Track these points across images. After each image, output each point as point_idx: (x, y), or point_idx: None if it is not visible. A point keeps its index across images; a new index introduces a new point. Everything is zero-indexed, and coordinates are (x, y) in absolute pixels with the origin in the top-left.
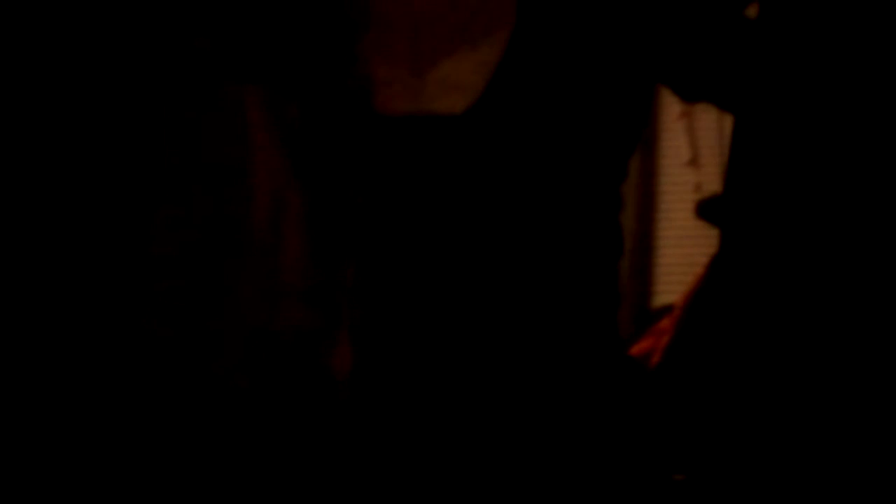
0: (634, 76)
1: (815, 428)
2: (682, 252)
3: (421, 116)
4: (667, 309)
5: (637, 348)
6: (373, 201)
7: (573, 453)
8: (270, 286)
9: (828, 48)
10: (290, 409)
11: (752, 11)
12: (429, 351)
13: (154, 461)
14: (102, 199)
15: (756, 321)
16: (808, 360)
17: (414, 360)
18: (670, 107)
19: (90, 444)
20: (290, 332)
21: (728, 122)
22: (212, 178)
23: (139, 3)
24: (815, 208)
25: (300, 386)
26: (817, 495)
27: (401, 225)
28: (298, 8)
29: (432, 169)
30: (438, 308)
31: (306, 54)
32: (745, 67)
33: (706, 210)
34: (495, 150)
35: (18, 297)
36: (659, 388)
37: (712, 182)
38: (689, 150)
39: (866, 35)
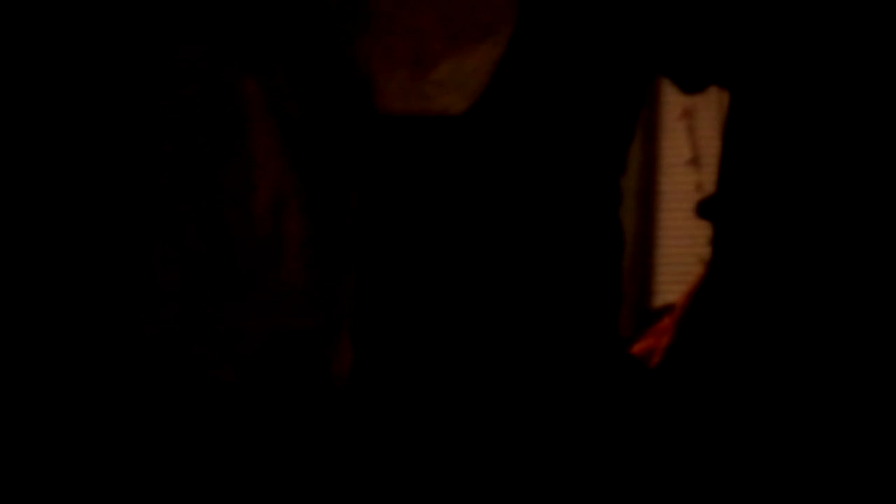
0: (634, 76)
1: (815, 427)
2: (682, 252)
3: (421, 116)
4: (667, 309)
5: (637, 348)
6: (373, 201)
7: (573, 453)
8: (271, 286)
9: (823, 42)
10: (291, 409)
11: None
12: (429, 351)
13: (153, 462)
14: (102, 198)
15: (754, 320)
16: (807, 360)
17: (414, 361)
18: (671, 107)
19: (89, 444)
20: (290, 333)
21: None
22: (212, 177)
23: None
24: (810, 206)
25: (300, 386)
26: (817, 495)
27: (401, 225)
28: (299, 5)
29: (432, 169)
30: (438, 308)
31: (307, 52)
32: (739, 54)
33: (706, 209)
34: (495, 149)
35: (18, 297)
36: (659, 388)
37: (713, 182)
38: (690, 149)
39: (862, 28)
